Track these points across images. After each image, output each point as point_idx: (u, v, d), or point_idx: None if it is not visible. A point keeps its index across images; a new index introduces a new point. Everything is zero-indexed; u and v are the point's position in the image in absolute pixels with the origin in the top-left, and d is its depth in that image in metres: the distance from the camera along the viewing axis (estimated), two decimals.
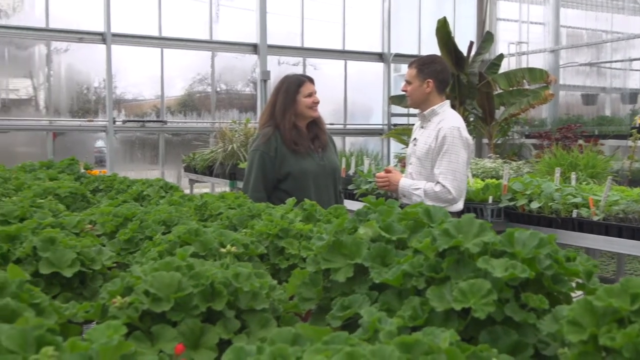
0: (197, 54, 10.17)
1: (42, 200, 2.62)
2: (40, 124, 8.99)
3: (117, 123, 9.34)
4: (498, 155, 8.54)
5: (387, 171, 3.45)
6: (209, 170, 7.18)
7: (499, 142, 10.75)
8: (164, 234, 1.79)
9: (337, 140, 11.42)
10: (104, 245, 1.86)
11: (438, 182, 3.13)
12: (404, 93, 3.47)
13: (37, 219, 2.01)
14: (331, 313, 1.14)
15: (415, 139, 3.43)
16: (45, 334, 0.68)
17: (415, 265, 1.06)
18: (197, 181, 7.87)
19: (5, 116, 8.74)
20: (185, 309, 1.02)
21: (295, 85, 3.15)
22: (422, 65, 3.34)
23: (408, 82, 3.36)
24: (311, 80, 3.21)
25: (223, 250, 1.36)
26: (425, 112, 3.36)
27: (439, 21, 9.39)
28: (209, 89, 10.37)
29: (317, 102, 3.17)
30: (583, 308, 0.80)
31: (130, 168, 9.49)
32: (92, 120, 9.23)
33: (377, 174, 3.50)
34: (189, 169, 7.91)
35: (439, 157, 3.17)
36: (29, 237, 1.52)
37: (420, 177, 3.27)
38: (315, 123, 3.23)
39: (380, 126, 11.95)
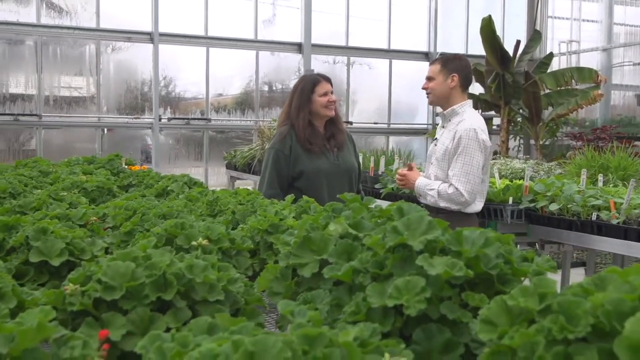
0: (247, 53, 10.31)
1: (65, 193, 2.73)
2: (89, 120, 9.30)
3: (162, 120, 9.57)
4: (528, 156, 8.34)
5: (410, 168, 3.41)
6: (248, 168, 7.27)
7: (546, 143, 10.49)
8: None
9: (381, 139, 11.40)
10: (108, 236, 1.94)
11: (451, 184, 3.09)
12: None
13: (47, 210, 2.10)
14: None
15: (436, 138, 3.40)
16: None
17: (363, 262, 1.06)
18: (237, 178, 7.98)
19: (57, 113, 9.09)
20: (137, 297, 1.06)
21: (310, 84, 3.17)
22: (447, 60, 3.31)
23: (430, 79, 3.32)
24: (327, 80, 3.22)
25: (195, 243, 1.39)
26: (445, 112, 3.32)
27: (484, 19, 9.26)
28: (258, 87, 10.52)
29: (333, 101, 3.18)
30: (499, 307, 0.80)
31: (175, 164, 9.72)
32: (139, 118, 9.48)
33: (399, 171, 3.46)
34: (230, 166, 8.02)
35: (453, 159, 3.13)
36: (24, 227, 1.59)
37: (439, 178, 3.23)
38: (333, 122, 3.24)
39: (425, 125, 11.85)
